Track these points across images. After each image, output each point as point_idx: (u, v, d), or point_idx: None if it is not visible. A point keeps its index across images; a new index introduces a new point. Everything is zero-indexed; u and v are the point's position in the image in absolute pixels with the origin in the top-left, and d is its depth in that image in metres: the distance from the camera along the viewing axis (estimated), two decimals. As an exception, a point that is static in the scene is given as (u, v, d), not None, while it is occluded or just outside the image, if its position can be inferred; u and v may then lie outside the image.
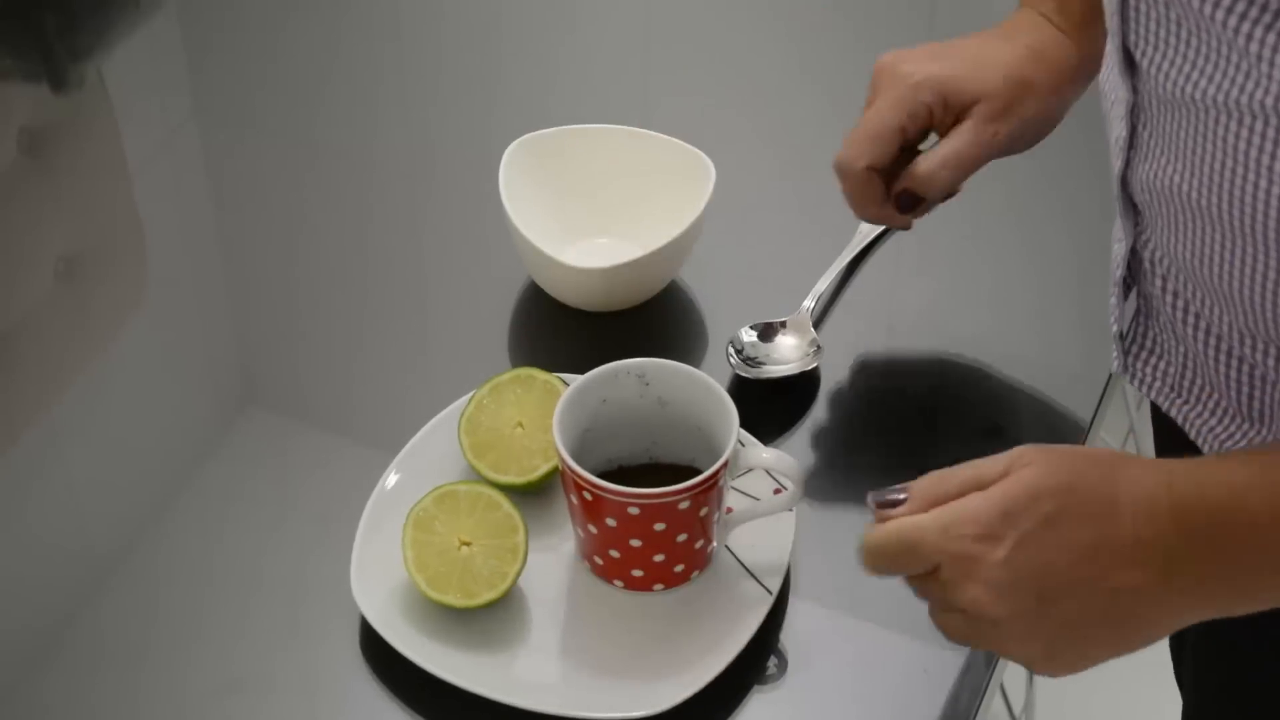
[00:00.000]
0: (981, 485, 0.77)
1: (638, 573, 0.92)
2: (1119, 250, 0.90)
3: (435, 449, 0.99)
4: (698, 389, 0.93)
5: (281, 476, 1.04)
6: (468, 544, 0.92)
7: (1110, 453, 0.78)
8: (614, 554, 0.92)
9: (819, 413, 1.05)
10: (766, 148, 1.27)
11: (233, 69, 1.38)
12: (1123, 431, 2.29)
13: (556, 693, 0.89)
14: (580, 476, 0.89)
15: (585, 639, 0.93)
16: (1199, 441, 0.91)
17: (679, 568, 0.92)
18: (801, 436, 1.04)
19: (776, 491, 0.97)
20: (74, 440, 1.09)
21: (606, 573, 0.93)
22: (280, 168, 1.28)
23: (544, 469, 0.97)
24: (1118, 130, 0.85)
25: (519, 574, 0.92)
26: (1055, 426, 1.06)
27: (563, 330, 1.11)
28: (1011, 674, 1.85)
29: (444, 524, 0.92)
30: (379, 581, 0.92)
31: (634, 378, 0.94)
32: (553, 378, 0.99)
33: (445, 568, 0.91)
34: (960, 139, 0.97)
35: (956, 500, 0.77)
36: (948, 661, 0.92)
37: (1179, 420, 0.91)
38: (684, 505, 0.89)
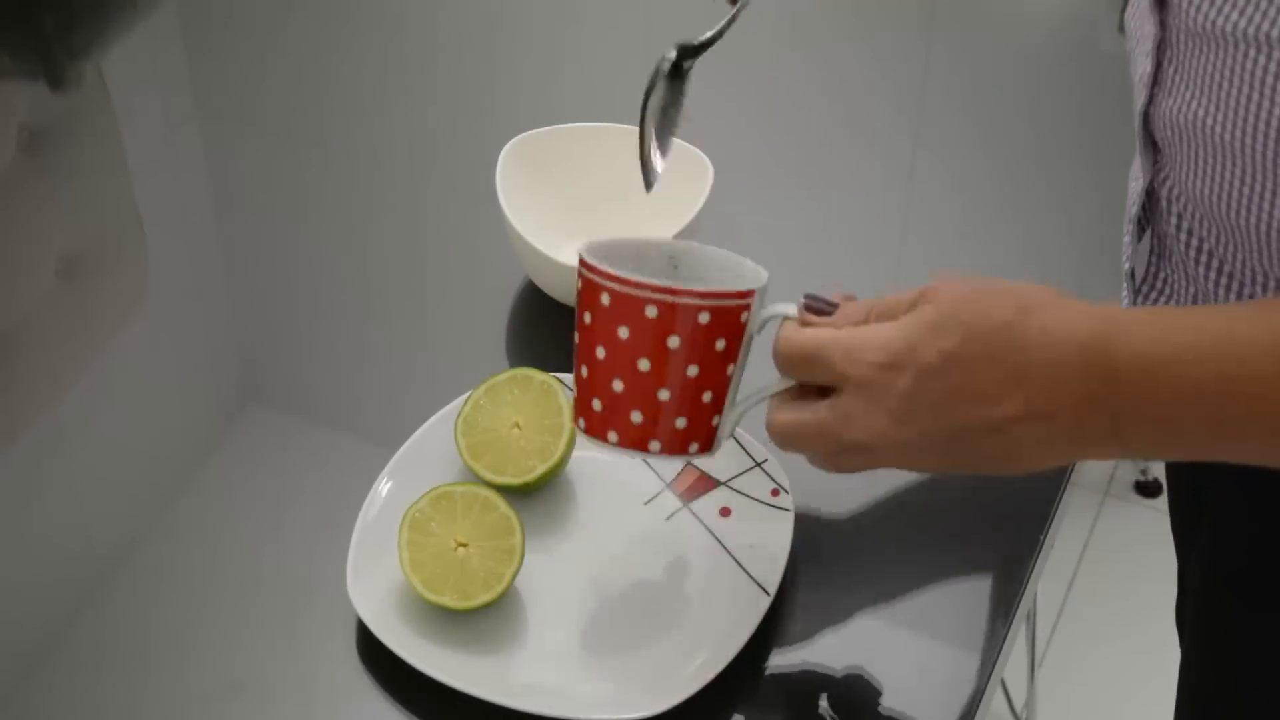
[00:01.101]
0: (895, 315, 0.78)
1: (637, 417, 0.84)
2: (1135, 188, 0.91)
3: (432, 449, 0.99)
4: (734, 276, 0.87)
5: (278, 478, 1.04)
6: (464, 545, 0.92)
7: (1033, 290, 0.78)
8: (617, 386, 0.84)
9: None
10: (764, 146, 1.27)
11: (232, 67, 1.38)
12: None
13: (553, 694, 0.89)
14: (599, 270, 0.82)
15: (582, 641, 0.93)
16: None
17: (681, 422, 0.84)
18: (799, 436, 1.04)
19: (774, 493, 0.97)
20: (74, 439, 1.09)
21: (604, 423, 0.85)
22: (279, 166, 1.28)
23: (541, 470, 0.97)
24: (1142, 67, 0.85)
25: (515, 575, 0.92)
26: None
27: (560, 329, 1.10)
28: (1012, 671, 1.85)
29: (440, 525, 0.92)
30: (375, 583, 0.92)
31: (665, 258, 0.89)
32: (550, 378, 0.99)
33: (441, 569, 0.91)
34: None
35: (866, 325, 0.79)
36: (947, 662, 0.92)
37: None
38: (704, 319, 0.82)
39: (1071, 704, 2.01)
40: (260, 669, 0.93)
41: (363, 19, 1.42)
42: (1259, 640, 0.96)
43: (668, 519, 0.98)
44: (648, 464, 1.01)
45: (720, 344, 0.83)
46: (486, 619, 0.92)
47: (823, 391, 0.80)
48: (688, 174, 1.12)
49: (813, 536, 0.97)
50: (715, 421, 0.86)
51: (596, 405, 0.85)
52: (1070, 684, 2.04)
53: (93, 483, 1.06)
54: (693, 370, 0.83)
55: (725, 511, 0.98)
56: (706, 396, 0.84)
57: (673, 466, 1.00)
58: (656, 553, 0.97)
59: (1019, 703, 1.91)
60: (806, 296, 0.82)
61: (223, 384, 1.15)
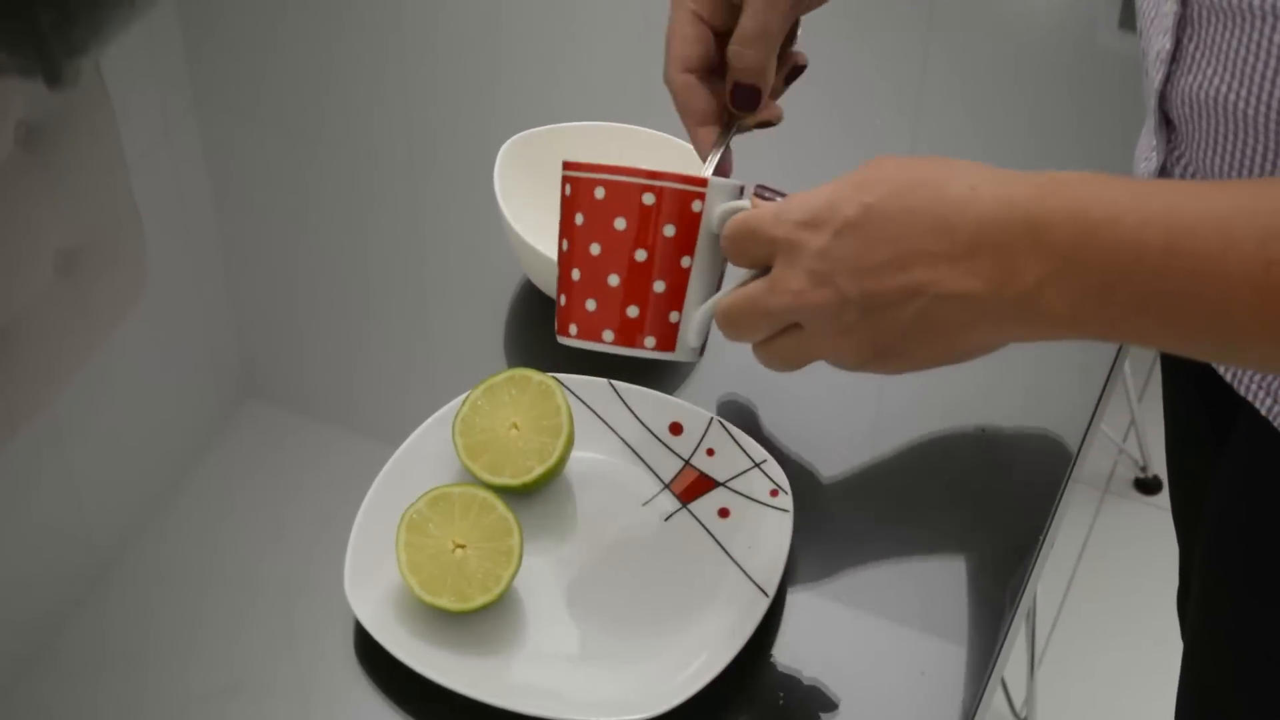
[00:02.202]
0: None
1: (591, 305, 0.86)
2: (1147, 168, 0.90)
3: (429, 450, 0.99)
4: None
5: (275, 478, 1.04)
6: (462, 547, 0.92)
7: (965, 163, 0.75)
8: (575, 274, 0.86)
9: (815, 413, 1.05)
10: (762, 145, 1.27)
11: (230, 63, 1.37)
12: (1124, 425, 2.29)
13: (551, 696, 0.89)
14: (567, 163, 0.86)
15: (580, 642, 0.92)
16: (1221, 370, 0.91)
17: (632, 311, 0.86)
18: (797, 437, 1.04)
19: (773, 493, 0.97)
20: (72, 436, 1.09)
21: (566, 314, 0.87)
22: (277, 162, 1.28)
23: (539, 471, 0.97)
24: (1159, 44, 0.84)
25: (513, 577, 0.91)
26: (1053, 420, 1.05)
27: (559, 329, 1.10)
28: (1012, 669, 1.85)
29: (438, 527, 0.92)
30: (373, 584, 0.92)
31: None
32: (547, 378, 0.99)
33: (439, 571, 0.91)
34: (750, 10, 0.91)
35: (800, 194, 0.78)
36: (947, 661, 0.92)
37: None
38: (648, 200, 0.84)
39: (1071, 701, 2.01)
40: (258, 669, 0.93)
41: (361, 16, 1.42)
42: (1260, 635, 0.96)
43: (666, 520, 0.98)
44: (647, 464, 1.00)
45: (669, 229, 0.84)
46: (484, 620, 0.92)
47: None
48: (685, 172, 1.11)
49: (811, 537, 0.97)
50: (674, 319, 0.86)
51: (591, 305, 0.86)
52: (1070, 682, 2.04)
53: (90, 480, 1.06)
54: (640, 254, 0.84)
55: (724, 512, 0.98)
56: (659, 286, 0.85)
57: (671, 467, 1.00)
58: (655, 554, 0.96)
59: (1019, 701, 1.91)
60: (758, 186, 0.82)
61: (220, 381, 1.15)
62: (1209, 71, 0.81)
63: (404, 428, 1.00)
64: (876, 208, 0.74)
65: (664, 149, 1.14)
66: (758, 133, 1.22)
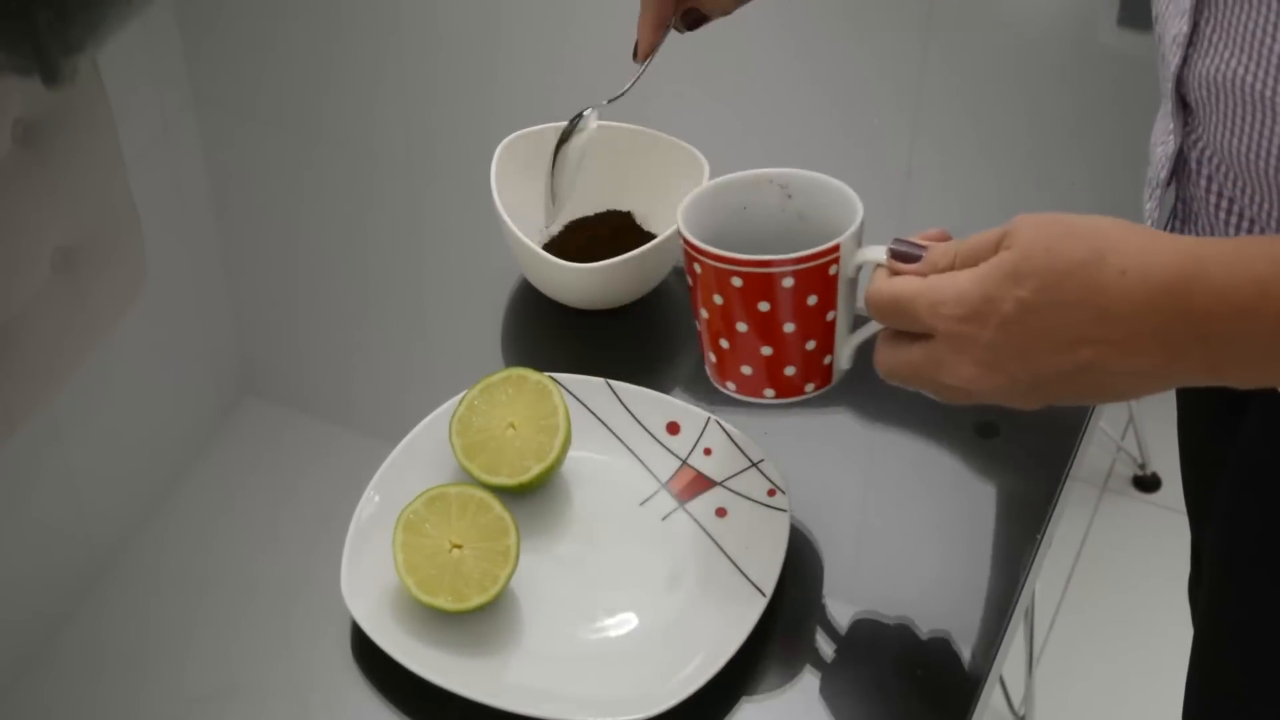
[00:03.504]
0: (976, 260, 0.79)
1: (747, 370, 0.90)
2: (1162, 151, 0.92)
3: (426, 450, 0.99)
4: (842, 205, 0.90)
5: (272, 478, 1.04)
6: (459, 547, 0.92)
7: (1111, 227, 0.77)
8: (724, 344, 0.90)
9: (813, 413, 1.05)
10: (761, 144, 1.27)
11: (228, 61, 1.37)
12: (1122, 423, 2.28)
13: (548, 696, 0.89)
14: (690, 243, 0.88)
15: (577, 642, 0.92)
16: None
17: (790, 370, 0.89)
18: (796, 437, 1.04)
19: (770, 493, 0.97)
20: (70, 434, 1.09)
21: (721, 372, 0.91)
22: (276, 160, 1.28)
23: (536, 470, 0.96)
24: (1176, 27, 0.85)
25: (510, 577, 0.91)
26: (1052, 418, 1.05)
27: (555, 328, 1.10)
28: (1010, 667, 1.85)
29: (435, 526, 0.92)
30: (370, 585, 0.92)
31: (776, 187, 0.92)
32: (544, 378, 0.99)
33: (436, 571, 0.91)
34: None
35: (948, 274, 0.79)
36: (944, 659, 0.92)
37: None
38: (787, 284, 0.86)
39: (1069, 700, 2.01)
40: (255, 670, 0.93)
41: (359, 14, 1.42)
42: (1273, 617, 0.96)
43: (663, 519, 0.98)
44: (645, 464, 1.00)
45: (812, 300, 0.87)
46: (481, 621, 0.92)
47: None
48: (683, 172, 1.11)
49: (809, 536, 0.97)
50: (828, 360, 0.90)
51: (713, 357, 0.91)
52: (1068, 680, 2.04)
53: (88, 478, 1.06)
54: (789, 328, 0.87)
55: (721, 512, 0.97)
56: (810, 345, 0.89)
57: (668, 466, 1.00)
58: (652, 554, 0.96)
59: (1017, 699, 1.91)
60: (894, 242, 0.83)
61: (217, 380, 1.15)
62: (1226, 54, 0.82)
63: (401, 427, 1.00)
64: (1032, 303, 0.76)
65: (662, 149, 1.14)
66: (760, 142, 1.23)
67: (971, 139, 1.28)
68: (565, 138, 1.10)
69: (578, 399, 1.02)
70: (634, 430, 1.01)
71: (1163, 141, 0.92)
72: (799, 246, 0.87)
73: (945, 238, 0.83)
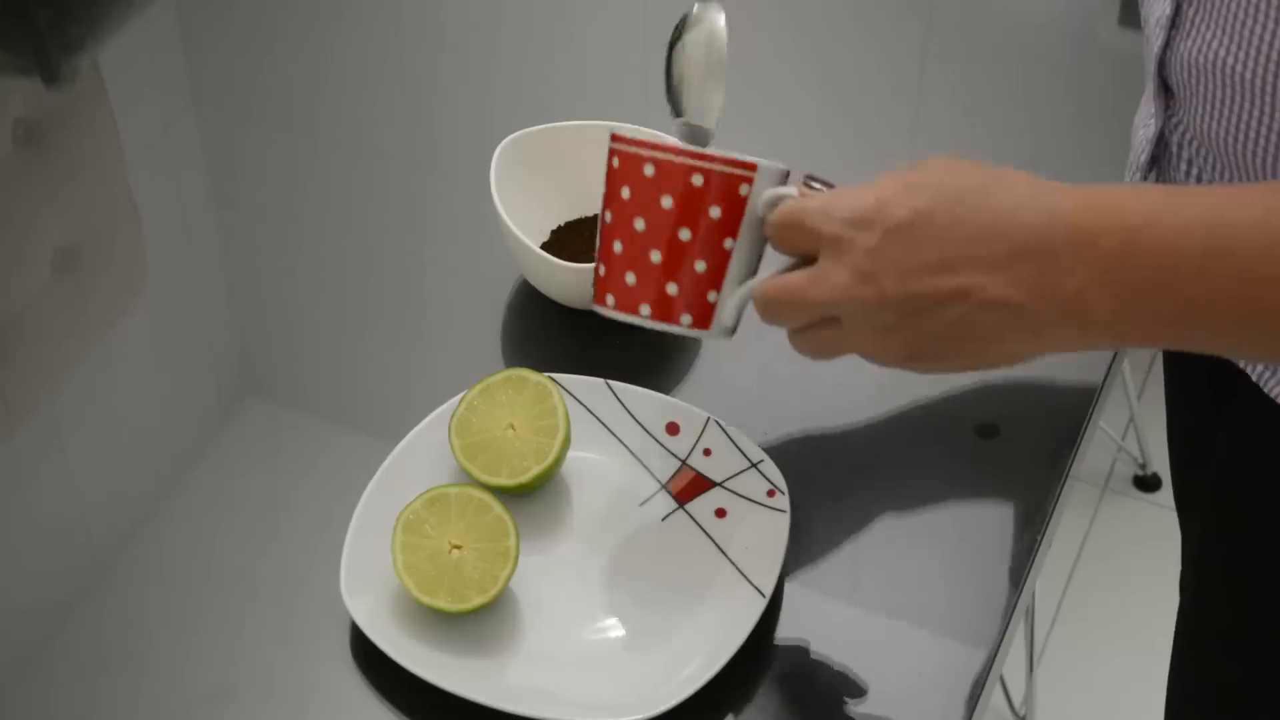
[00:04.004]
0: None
1: (630, 278, 0.87)
2: (1144, 135, 0.92)
3: (426, 451, 0.99)
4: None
5: (272, 479, 1.04)
6: (458, 547, 0.92)
7: (1020, 172, 0.76)
8: (617, 246, 0.87)
9: (813, 413, 1.05)
10: (761, 145, 1.26)
11: (228, 61, 1.37)
12: (1123, 423, 2.28)
13: (547, 697, 0.89)
14: (616, 135, 0.87)
15: (577, 643, 0.92)
16: None
17: (672, 288, 0.87)
18: (795, 437, 1.04)
19: (770, 493, 0.97)
20: (71, 434, 1.09)
21: (605, 284, 0.88)
22: (276, 160, 1.28)
23: (535, 471, 0.96)
24: (1160, 10, 0.86)
25: (510, 578, 0.91)
26: (1053, 418, 1.05)
27: (555, 329, 1.10)
28: (1011, 668, 1.85)
29: (434, 527, 0.92)
30: (369, 585, 0.92)
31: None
32: (544, 379, 0.99)
33: (435, 572, 0.91)
34: None
35: (851, 188, 0.79)
36: (945, 660, 0.92)
37: None
38: (696, 180, 0.84)
39: (1070, 700, 2.01)
40: (254, 671, 0.93)
41: (360, 14, 1.42)
42: (1257, 606, 0.96)
43: (663, 520, 0.98)
44: (644, 464, 1.00)
45: (714, 211, 0.85)
46: (481, 622, 0.92)
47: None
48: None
49: (808, 537, 0.97)
50: (712, 298, 0.87)
51: (630, 278, 0.87)
52: (1069, 680, 2.04)
53: (88, 478, 1.06)
54: (684, 233, 0.85)
55: (721, 512, 0.97)
56: (699, 265, 0.86)
57: (667, 467, 1.00)
58: (652, 555, 0.96)
59: (1018, 699, 1.91)
60: (806, 176, 0.83)
61: (217, 380, 1.15)
62: (1208, 35, 0.82)
63: (400, 427, 1.00)
64: (925, 212, 0.75)
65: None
66: (749, 134, 1.22)
67: (971, 138, 1.28)
68: (676, 38, 0.99)
69: (577, 399, 1.02)
70: (633, 431, 1.01)
71: (1144, 125, 0.92)
72: None
73: None
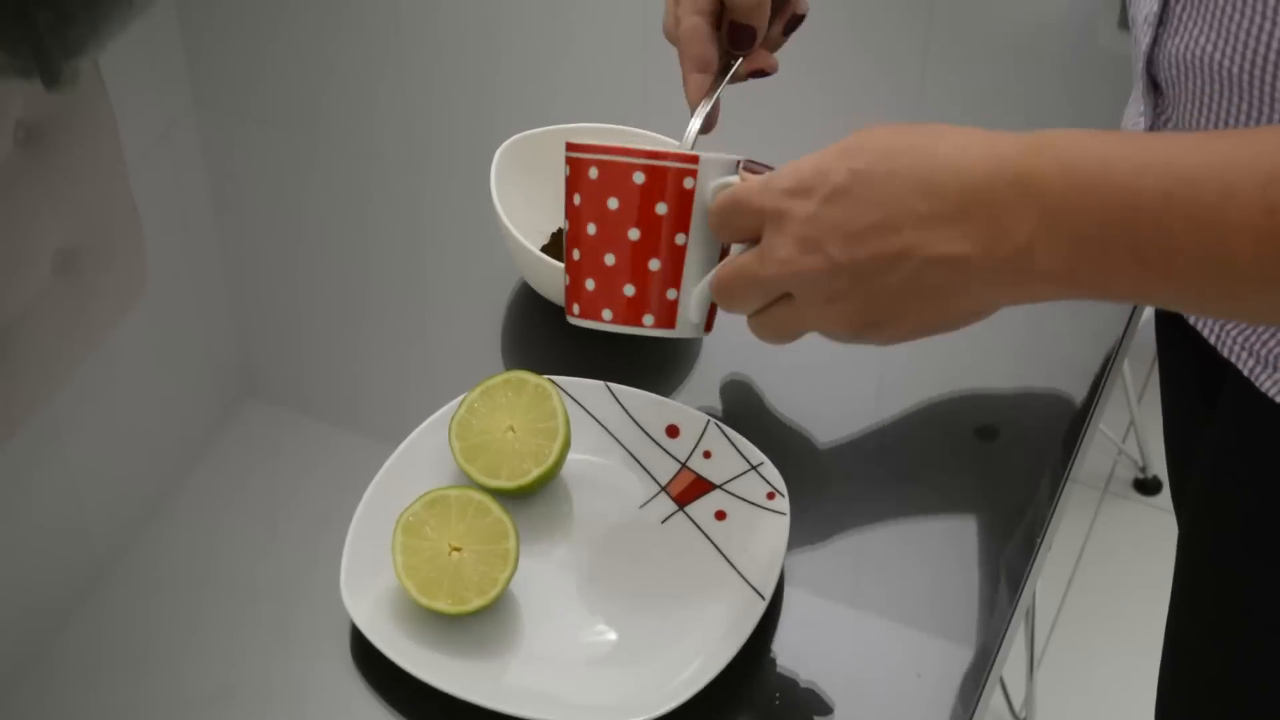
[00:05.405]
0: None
1: (590, 284, 0.86)
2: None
3: (426, 453, 0.99)
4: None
5: (272, 481, 1.04)
6: (458, 549, 0.92)
7: (951, 128, 0.74)
8: (576, 254, 0.86)
9: (813, 415, 1.05)
10: (762, 146, 1.26)
11: (229, 63, 1.37)
12: (1123, 426, 2.28)
13: (547, 699, 0.89)
14: (570, 144, 0.86)
15: (577, 645, 0.92)
16: (1203, 330, 0.91)
17: (629, 289, 0.86)
18: (795, 438, 1.04)
19: (770, 496, 0.97)
20: (71, 435, 1.09)
21: (571, 293, 0.88)
22: (276, 162, 1.28)
23: (535, 473, 0.96)
24: (1148, 7, 0.86)
25: (510, 580, 0.91)
26: (1053, 421, 1.05)
27: (555, 331, 1.10)
28: (1011, 670, 1.85)
29: (434, 529, 0.92)
30: (369, 587, 0.92)
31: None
32: (544, 381, 0.99)
33: (435, 574, 0.91)
34: None
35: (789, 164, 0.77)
36: (945, 662, 0.92)
37: None
38: (638, 178, 0.84)
39: (1070, 702, 2.01)
40: (253, 672, 0.93)
41: (360, 16, 1.42)
42: (1246, 595, 0.96)
43: (663, 522, 0.98)
44: (644, 467, 1.00)
45: (661, 208, 0.84)
46: (481, 623, 0.92)
47: None
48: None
49: (808, 539, 0.97)
50: (672, 295, 0.86)
51: (590, 284, 0.87)
52: (1069, 682, 2.04)
53: (88, 480, 1.06)
54: (634, 233, 0.84)
55: (721, 515, 0.97)
56: (654, 264, 0.85)
57: (667, 469, 1.00)
58: (651, 557, 0.96)
59: (1018, 701, 1.91)
60: (747, 161, 0.82)
61: (217, 382, 1.15)
62: (1195, 32, 0.82)
63: (400, 430, 1.00)
64: (864, 172, 0.74)
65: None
66: (750, 136, 1.22)
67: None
68: None
69: (577, 402, 1.02)
70: (633, 433, 1.01)
71: (1133, 123, 0.92)
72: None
73: None
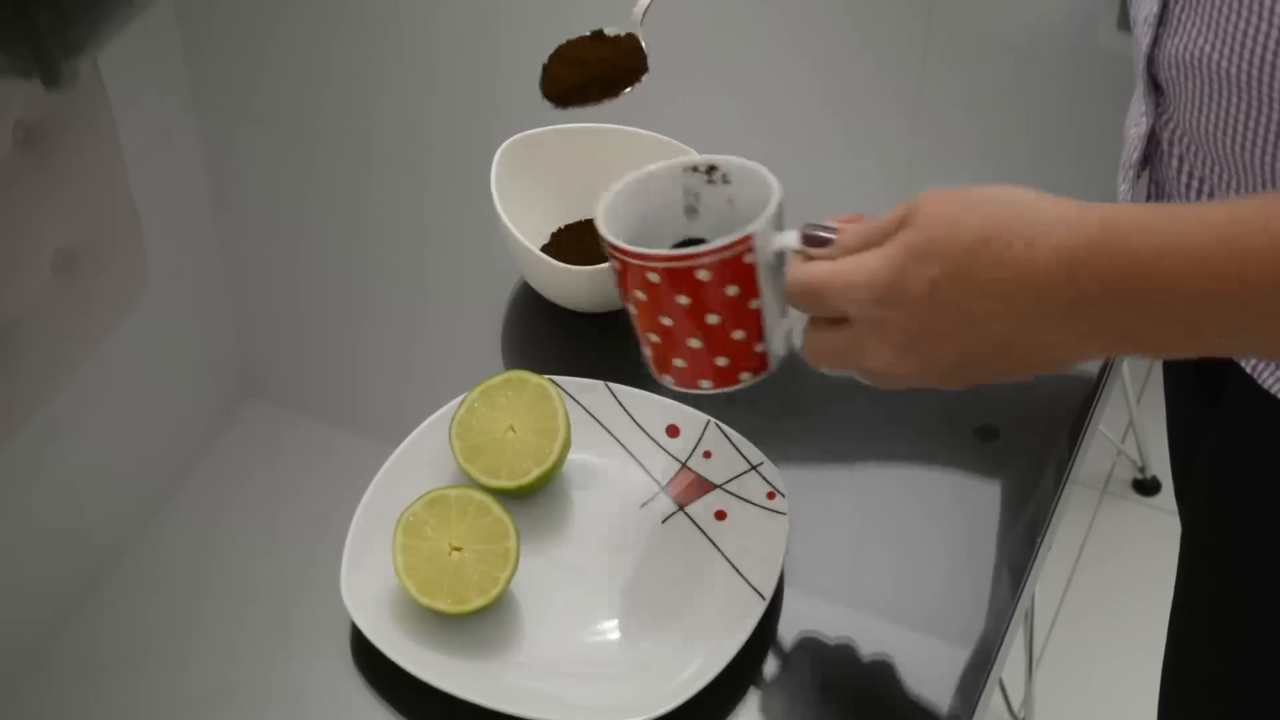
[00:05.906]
0: (885, 239, 0.78)
1: (680, 363, 0.88)
2: (1135, 133, 0.92)
3: (426, 452, 0.99)
4: (764, 189, 0.88)
5: (272, 480, 1.04)
6: (458, 549, 0.92)
7: (1017, 198, 0.76)
8: (654, 338, 0.88)
9: (813, 415, 1.05)
10: (762, 147, 1.26)
11: (229, 63, 1.37)
12: (1122, 426, 2.28)
13: (547, 699, 0.89)
14: (602, 236, 0.86)
15: (577, 645, 0.92)
16: None
17: (722, 361, 0.87)
18: (795, 438, 1.04)
19: (770, 496, 0.97)
20: (70, 434, 1.09)
21: (658, 365, 0.89)
22: (276, 162, 1.28)
23: (536, 473, 0.96)
24: (1148, 8, 0.87)
25: (510, 579, 0.91)
26: (1051, 421, 1.05)
27: (555, 331, 1.10)
28: (1010, 670, 1.85)
29: (435, 529, 0.92)
30: (370, 587, 0.92)
31: (702, 174, 0.91)
32: (544, 381, 0.99)
33: (436, 573, 0.91)
34: None
35: (858, 255, 0.78)
36: (944, 662, 0.92)
37: None
38: (703, 276, 0.84)
39: (1069, 703, 2.01)
40: (254, 672, 0.93)
41: (360, 16, 1.42)
42: (1247, 591, 0.96)
43: (663, 522, 0.98)
44: (644, 467, 1.00)
45: (731, 290, 0.85)
46: (481, 623, 0.92)
47: None
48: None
49: (808, 539, 0.97)
50: (760, 349, 0.87)
51: (647, 351, 0.89)
52: (1068, 683, 2.03)
53: (88, 480, 1.06)
54: (712, 319, 0.85)
55: (721, 515, 0.97)
56: (738, 334, 0.86)
57: (668, 469, 1.00)
58: (651, 557, 0.96)
59: (1016, 702, 1.90)
60: (805, 226, 0.82)
61: (217, 382, 1.15)
62: (1194, 32, 0.82)
63: (401, 429, 1.00)
64: (941, 282, 0.75)
65: (660, 150, 1.14)
66: (750, 136, 1.22)
67: (971, 138, 1.28)
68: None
69: (577, 402, 1.02)
70: (634, 433, 1.01)
71: (1135, 124, 0.93)
72: (730, 233, 0.85)
73: (859, 219, 0.82)
